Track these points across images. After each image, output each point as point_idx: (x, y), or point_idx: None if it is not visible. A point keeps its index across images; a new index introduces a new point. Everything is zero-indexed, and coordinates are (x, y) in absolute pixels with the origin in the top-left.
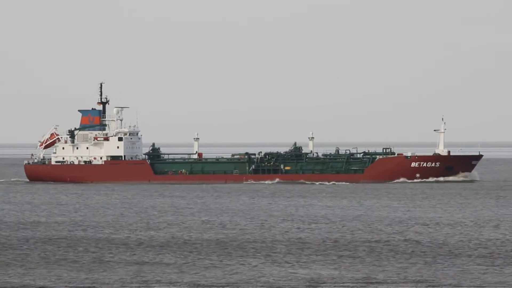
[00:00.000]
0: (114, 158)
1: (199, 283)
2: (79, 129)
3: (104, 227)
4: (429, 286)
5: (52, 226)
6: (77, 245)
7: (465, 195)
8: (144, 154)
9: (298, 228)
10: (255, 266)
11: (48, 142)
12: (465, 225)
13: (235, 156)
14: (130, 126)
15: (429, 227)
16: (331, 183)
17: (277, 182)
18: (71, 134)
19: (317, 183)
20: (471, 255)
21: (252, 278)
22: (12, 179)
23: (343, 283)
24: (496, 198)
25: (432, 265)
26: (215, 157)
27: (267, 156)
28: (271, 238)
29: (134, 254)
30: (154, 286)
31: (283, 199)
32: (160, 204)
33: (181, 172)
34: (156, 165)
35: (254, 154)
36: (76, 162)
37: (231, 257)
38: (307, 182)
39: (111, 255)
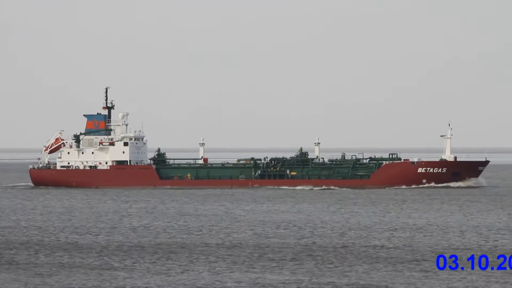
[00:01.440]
0: (119, 163)
1: None
2: (85, 134)
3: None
4: None
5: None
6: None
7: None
8: (149, 159)
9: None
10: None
11: (53, 147)
12: None
13: (241, 162)
14: (135, 131)
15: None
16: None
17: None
18: (76, 139)
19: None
20: None
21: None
22: (15, 184)
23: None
24: None
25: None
26: (220, 162)
27: (273, 162)
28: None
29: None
30: None
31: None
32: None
33: (186, 177)
34: (162, 170)
35: (260, 160)
36: (81, 167)
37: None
38: (305, 188)
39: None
